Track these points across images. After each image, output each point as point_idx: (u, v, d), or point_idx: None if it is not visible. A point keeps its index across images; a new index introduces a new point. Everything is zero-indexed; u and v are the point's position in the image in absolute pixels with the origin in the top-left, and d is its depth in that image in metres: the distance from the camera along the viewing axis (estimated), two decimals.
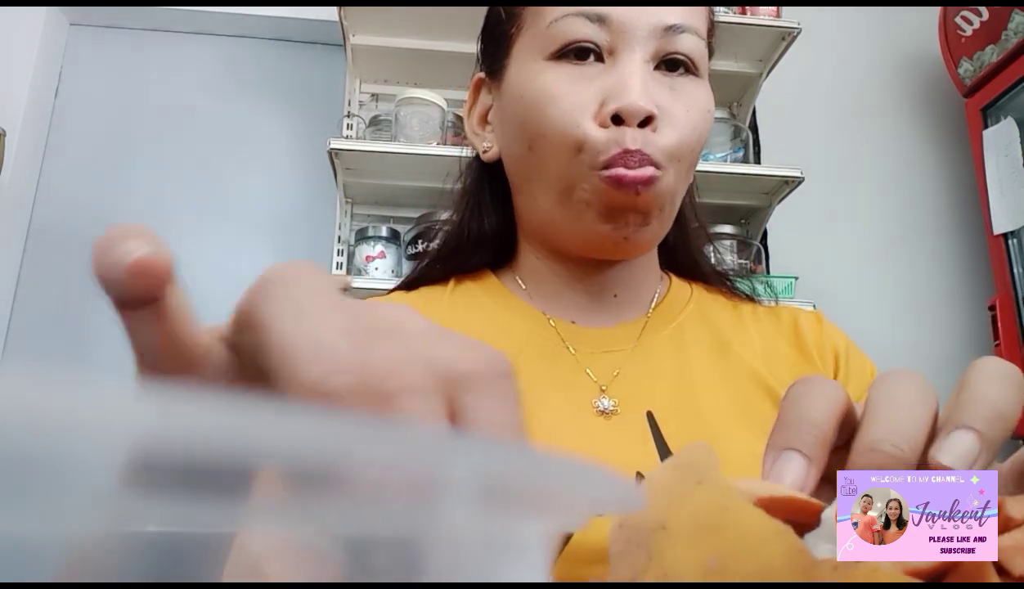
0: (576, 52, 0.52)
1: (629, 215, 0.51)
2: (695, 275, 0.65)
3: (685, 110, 0.52)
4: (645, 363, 0.56)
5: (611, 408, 0.53)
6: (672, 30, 0.51)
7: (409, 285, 0.64)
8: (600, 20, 0.51)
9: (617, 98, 0.49)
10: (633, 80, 0.50)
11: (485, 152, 0.59)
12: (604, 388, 0.54)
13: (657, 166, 0.50)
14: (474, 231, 0.61)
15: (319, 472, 0.13)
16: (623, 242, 0.53)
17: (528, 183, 0.56)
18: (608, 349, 0.56)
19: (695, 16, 0.53)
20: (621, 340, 0.57)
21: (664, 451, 0.52)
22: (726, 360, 0.57)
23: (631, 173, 0.49)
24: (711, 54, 0.58)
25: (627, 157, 0.49)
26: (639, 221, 0.52)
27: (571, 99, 0.51)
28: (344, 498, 0.14)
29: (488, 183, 0.62)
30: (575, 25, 0.51)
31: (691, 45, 0.52)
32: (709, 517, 0.23)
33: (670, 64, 0.52)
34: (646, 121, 0.50)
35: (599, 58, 0.52)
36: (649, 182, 0.50)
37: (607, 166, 0.50)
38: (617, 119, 0.49)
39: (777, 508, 0.25)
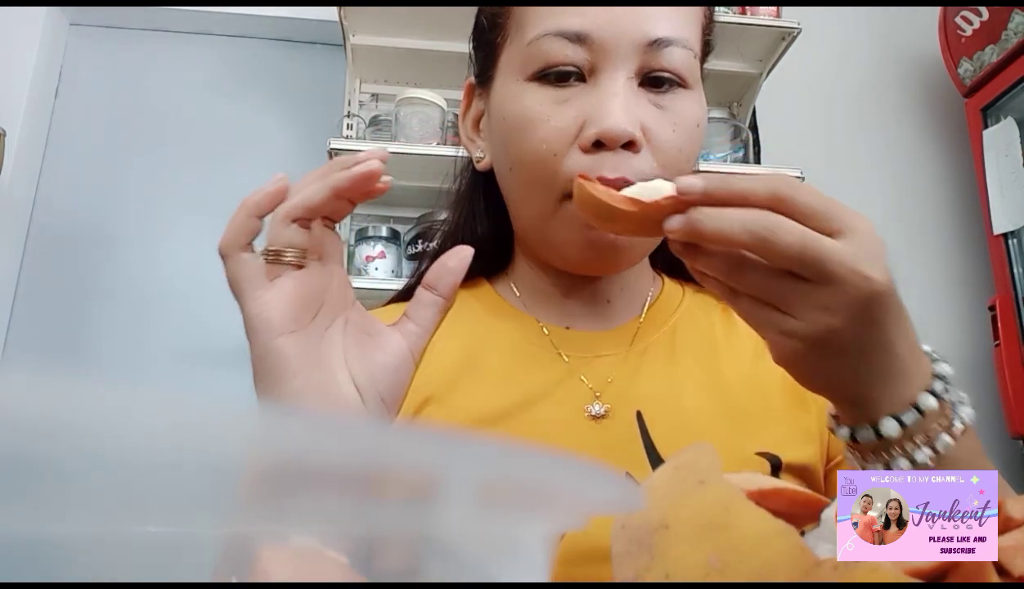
0: (556, 74, 0.50)
1: (607, 241, 0.51)
2: (688, 276, 0.65)
3: (672, 129, 0.50)
4: (637, 367, 0.56)
5: (602, 412, 0.53)
6: (657, 44, 0.49)
7: (405, 294, 0.63)
8: (579, 40, 0.49)
9: (597, 122, 0.48)
10: (614, 102, 0.48)
11: (479, 161, 0.59)
12: (598, 394, 0.54)
13: None
14: (467, 238, 0.61)
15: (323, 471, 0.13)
16: (604, 263, 0.54)
17: (512, 201, 0.56)
18: (601, 354, 0.56)
19: (683, 25, 0.51)
20: (614, 344, 0.57)
21: (651, 451, 0.52)
22: (716, 361, 0.57)
23: None
24: (710, 51, 0.57)
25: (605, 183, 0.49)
26: (617, 248, 0.51)
27: (549, 126, 0.49)
28: (346, 498, 0.14)
29: (483, 188, 0.61)
30: (554, 46, 0.49)
31: (678, 59, 0.50)
32: (712, 516, 0.23)
33: (656, 79, 0.50)
34: (628, 144, 0.48)
35: (580, 78, 0.50)
36: None
37: None
38: (599, 143, 0.48)
39: (768, 500, 0.26)
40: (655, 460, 0.51)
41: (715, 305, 0.62)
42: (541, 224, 0.53)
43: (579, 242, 0.51)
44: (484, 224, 0.61)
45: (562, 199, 0.50)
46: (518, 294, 0.60)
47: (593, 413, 0.53)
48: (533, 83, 0.51)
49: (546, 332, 0.58)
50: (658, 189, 0.38)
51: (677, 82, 0.51)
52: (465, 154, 0.64)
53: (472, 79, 0.60)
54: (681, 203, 0.37)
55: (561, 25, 0.49)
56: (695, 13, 0.53)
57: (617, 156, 0.48)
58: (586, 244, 0.51)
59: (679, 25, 0.50)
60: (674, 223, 0.38)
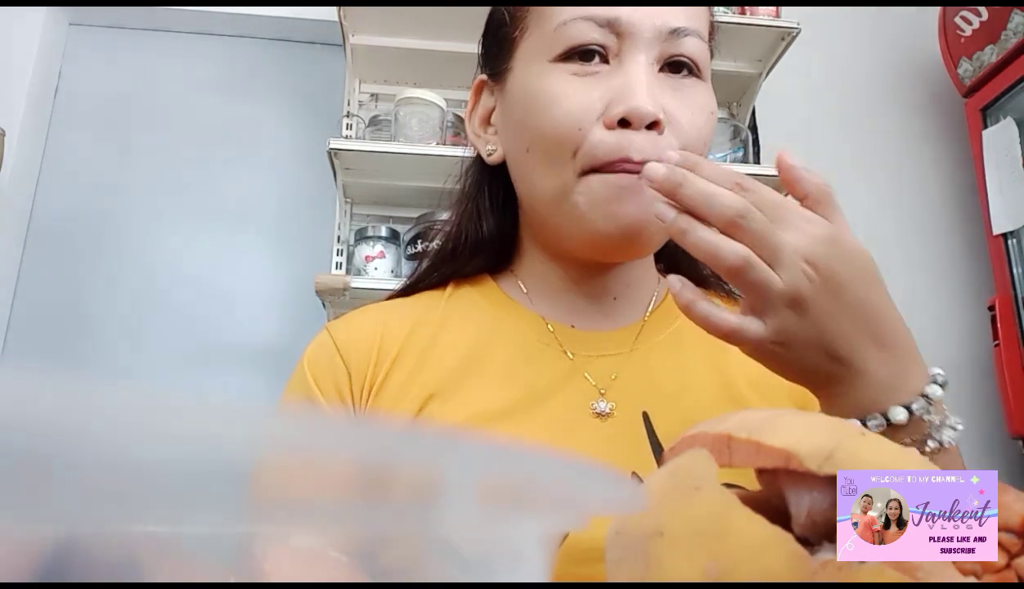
0: (581, 53, 0.52)
1: (629, 218, 0.51)
2: (694, 278, 0.65)
3: (690, 114, 0.52)
4: (642, 366, 0.56)
5: (608, 411, 0.53)
6: (677, 33, 0.52)
7: (406, 290, 0.64)
8: (609, 24, 0.51)
9: (624, 101, 0.49)
10: (640, 83, 0.50)
11: (489, 155, 0.59)
12: (603, 392, 0.54)
13: None
14: (471, 236, 0.61)
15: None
16: (624, 243, 0.53)
17: (527, 185, 0.56)
18: (606, 352, 0.56)
19: (699, 19, 0.54)
20: (619, 343, 0.57)
21: (658, 452, 0.52)
22: (723, 363, 0.57)
23: (632, 180, 0.49)
24: (712, 56, 0.58)
25: (629, 166, 0.49)
26: (640, 225, 0.51)
27: (575, 100, 0.51)
28: (347, 497, 0.14)
29: (488, 187, 0.61)
30: (583, 29, 0.51)
31: (695, 48, 0.53)
32: (708, 523, 0.23)
33: (674, 66, 0.53)
34: (653, 125, 0.50)
35: (604, 60, 0.52)
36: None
37: (606, 169, 0.50)
38: (624, 122, 0.49)
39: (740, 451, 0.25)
40: (661, 461, 0.51)
41: (724, 307, 0.62)
42: (560, 202, 0.53)
43: (600, 217, 0.51)
44: (489, 221, 0.61)
45: (583, 173, 0.51)
46: (524, 290, 0.60)
47: (598, 411, 0.53)
48: (558, 64, 0.52)
49: (551, 329, 0.58)
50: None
51: (693, 70, 0.53)
52: (469, 153, 0.64)
53: (483, 76, 0.61)
54: None
55: (589, 11, 0.52)
56: (704, 13, 0.56)
57: (643, 136, 0.49)
58: (608, 218, 0.51)
59: (694, 18, 0.53)
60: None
